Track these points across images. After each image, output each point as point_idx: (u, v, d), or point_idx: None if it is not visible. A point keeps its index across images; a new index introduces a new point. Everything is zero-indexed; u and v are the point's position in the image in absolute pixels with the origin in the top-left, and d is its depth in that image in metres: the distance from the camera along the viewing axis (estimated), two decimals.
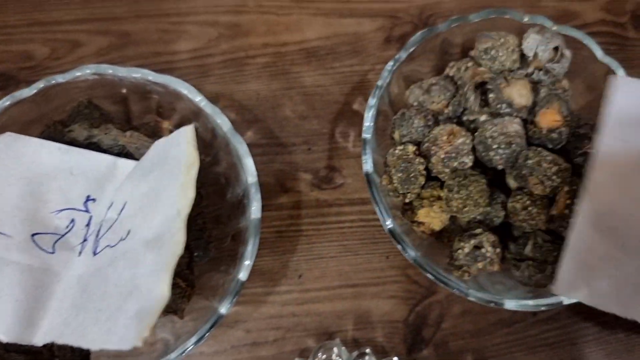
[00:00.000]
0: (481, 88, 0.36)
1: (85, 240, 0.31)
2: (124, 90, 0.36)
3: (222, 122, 0.33)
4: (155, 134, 0.35)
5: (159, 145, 0.31)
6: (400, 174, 0.34)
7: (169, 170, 0.30)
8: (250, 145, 0.40)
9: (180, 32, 0.42)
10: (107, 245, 0.30)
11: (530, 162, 0.32)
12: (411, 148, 0.34)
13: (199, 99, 0.34)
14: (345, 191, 0.40)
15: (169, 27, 0.43)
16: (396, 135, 0.36)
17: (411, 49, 0.35)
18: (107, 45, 0.42)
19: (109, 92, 0.36)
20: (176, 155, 0.30)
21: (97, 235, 0.31)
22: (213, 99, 0.41)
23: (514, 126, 0.33)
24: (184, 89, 0.34)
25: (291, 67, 0.42)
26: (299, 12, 0.43)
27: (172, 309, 0.33)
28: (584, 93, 0.37)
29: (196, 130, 0.31)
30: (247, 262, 0.32)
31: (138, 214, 0.30)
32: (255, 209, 0.32)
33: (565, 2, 0.45)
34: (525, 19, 0.36)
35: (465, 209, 0.33)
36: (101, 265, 0.30)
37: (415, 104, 0.36)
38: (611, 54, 0.44)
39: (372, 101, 0.34)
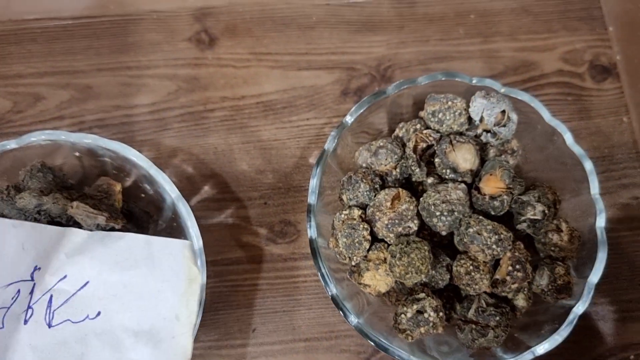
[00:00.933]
0: (428, 151, 0.36)
1: (29, 307, 0.32)
2: (77, 154, 0.37)
3: (170, 189, 0.34)
4: (108, 196, 0.36)
5: (147, 245, 0.33)
6: (345, 239, 0.34)
7: (162, 276, 0.33)
8: (206, 200, 0.42)
9: (140, 86, 0.43)
10: (68, 320, 0.32)
11: (471, 230, 0.33)
12: (357, 212, 0.35)
13: (146, 165, 0.34)
14: (299, 245, 0.40)
15: (129, 81, 0.43)
16: (344, 198, 0.36)
17: (358, 113, 0.36)
18: (68, 99, 0.43)
19: (62, 156, 0.37)
20: (172, 265, 0.33)
21: (49, 306, 0.32)
22: (171, 153, 0.42)
23: (458, 193, 0.34)
24: (132, 155, 0.35)
25: (249, 120, 0.43)
26: (257, 64, 0.44)
27: None
28: (534, 151, 0.38)
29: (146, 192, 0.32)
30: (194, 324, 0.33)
31: (114, 301, 0.32)
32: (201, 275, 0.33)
33: (523, 52, 0.45)
34: (474, 82, 0.37)
35: (408, 276, 0.33)
36: (65, 339, 0.32)
37: (364, 165, 0.37)
38: (568, 104, 0.45)
39: (317, 169, 0.35)
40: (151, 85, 0.43)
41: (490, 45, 0.45)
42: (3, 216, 0.34)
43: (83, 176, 0.39)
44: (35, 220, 0.34)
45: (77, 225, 0.34)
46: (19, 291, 0.32)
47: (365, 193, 0.35)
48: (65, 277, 0.33)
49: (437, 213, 0.33)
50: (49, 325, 0.32)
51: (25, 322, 0.32)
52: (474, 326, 0.34)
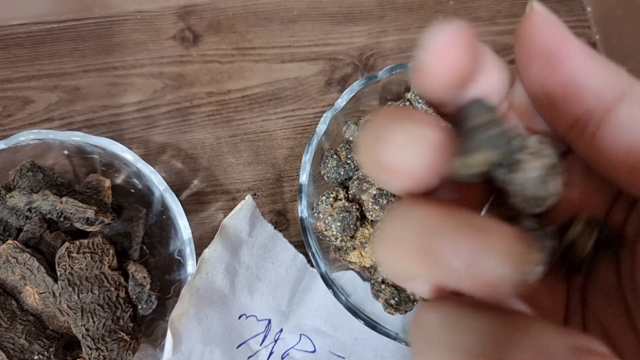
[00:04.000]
0: None
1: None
2: (66, 152, 0.38)
3: (158, 182, 0.36)
4: (98, 192, 0.37)
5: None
6: (339, 223, 0.35)
7: None
8: (196, 194, 0.43)
9: (127, 85, 0.45)
10: None
11: None
12: (342, 193, 0.36)
13: (133, 159, 0.36)
14: (289, 234, 0.42)
15: (115, 80, 0.45)
16: (322, 173, 0.38)
17: (350, 96, 0.37)
18: (56, 101, 0.44)
19: (53, 156, 0.38)
20: None
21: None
22: (159, 149, 0.44)
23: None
24: (119, 150, 0.36)
25: (235, 114, 0.44)
26: (242, 59, 0.45)
27: None
28: None
29: (135, 187, 0.33)
30: None
31: None
32: (190, 265, 0.34)
33: (503, 36, 0.46)
34: None
35: None
36: None
37: (350, 138, 0.38)
38: None
39: (310, 148, 0.36)
40: (138, 84, 0.45)
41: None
42: None
43: (73, 175, 0.40)
44: (27, 218, 0.35)
45: (68, 221, 0.35)
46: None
47: (333, 169, 0.37)
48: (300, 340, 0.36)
49: None
50: None
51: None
52: None
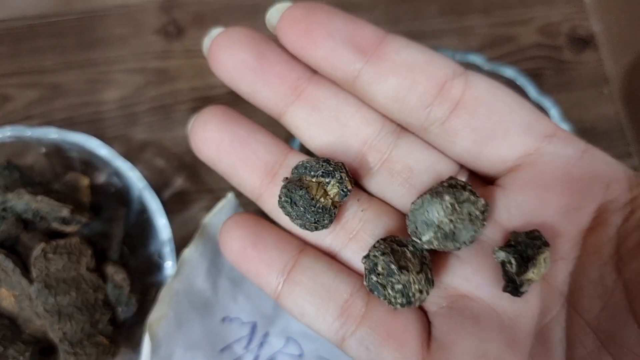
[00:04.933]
0: None
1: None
2: (44, 150, 0.37)
3: (136, 179, 0.35)
4: (75, 191, 0.36)
5: None
6: None
7: None
8: (180, 193, 0.42)
9: (108, 81, 0.44)
10: None
11: None
12: None
13: (110, 155, 0.35)
14: None
15: (97, 77, 0.44)
16: None
17: None
18: (36, 98, 0.43)
19: (32, 156, 0.37)
20: None
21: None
22: (142, 147, 0.43)
23: None
24: (95, 146, 0.35)
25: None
26: None
27: None
28: None
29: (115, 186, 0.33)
30: None
31: None
32: (170, 266, 0.33)
33: (498, 27, 0.45)
34: (457, 57, 0.37)
35: None
36: None
37: None
38: (547, 78, 0.45)
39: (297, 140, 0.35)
40: (120, 81, 0.44)
41: (465, 22, 0.45)
42: None
43: (53, 174, 0.39)
44: (3, 218, 0.35)
45: (44, 221, 0.34)
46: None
47: None
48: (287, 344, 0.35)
49: None
50: None
51: None
52: None
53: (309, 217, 0.20)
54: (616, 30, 0.44)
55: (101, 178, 0.39)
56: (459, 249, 0.20)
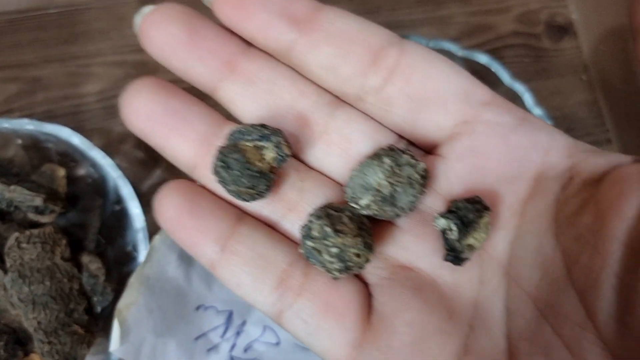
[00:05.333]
0: None
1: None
2: (20, 142, 0.37)
3: (110, 167, 0.35)
4: (52, 181, 0.37)
5: None
6: None
7: None
8: (160, 184, 0.42)
9: (88, 75, 0.44)
10: None
11: None
12: None
13: (83, 144, 0.35)
14: None
15: (77, 70, 0.44)
16: None
17: None
18: (16, 92, 0.44)
19: (11, 147, 0.38)
20: None
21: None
22: (121, 139, 0.43)
23: None
24: (67, 135, 0.35)
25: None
26: None
27: (71, 356, 0.35)
28: None
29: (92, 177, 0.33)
30: None
31: None
32: (143, 255, 0.34)
33: (476, 16, 0.45)
34: (430, 44, 0.37)
35: None
36: None
37: None
38: (526, 66, 0.45)
39: None
40: (100, 74, 0.44)
41: (443, 11, 0.45)
42: None
43: (30, 166, 0.39)
44: None
45: (19, 210, 0.35)
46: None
47: None
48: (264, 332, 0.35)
49: None
50: None
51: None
52: None
53: (244, 181, 0.19)
54: (594, 18, 0.44)
55: (80, 170, 0.39)
56: (398, 215, 0.20)
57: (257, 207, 0.21)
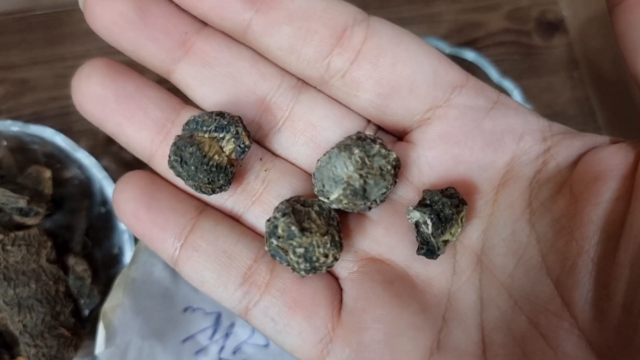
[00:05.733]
0: None
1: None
2: (5, 143, 0.37)
3: (93, 167, 0.35)
4: (37, 183, 0.37)
5: None
6: None
7: None
8: None
9: None
10: None
11: None
12: None
13: (69, 146, 0.35)
14: None
15: (64, 72, 0.44)
16: None
17: None
18: (3, 94, 0.44)
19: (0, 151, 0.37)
20: None
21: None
22: (109, 141, 0.42)
23: None
24: (50, 135, 0.35)
25: (188, 101, 0.43)
26: None
27: (58, 359, 0.34)
28: None
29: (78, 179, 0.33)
30: None
31: None
32: (129, 256, 0.33)
33: (466, 14, 0.45)
34: None
35: None
36: None
37: None
38: (517, 63, 0.45)
39: None
40: None
41: (432, 9, 0.45)
42: None
43: (17, 168, 0.39)
44: None
45: (3, 213, 0.34)
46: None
47: None
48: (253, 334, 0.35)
49: None
50: None
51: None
52: None
53: (201, 176, 0.18)
54: (585, 14, 0.44)
55: (67, 172, 0.39)
56: (369, 208, 0.19)
57: (219, 199, 0.20)
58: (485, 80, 0.36)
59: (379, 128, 0.21)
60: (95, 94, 0.20)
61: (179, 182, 0.20)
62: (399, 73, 0.19)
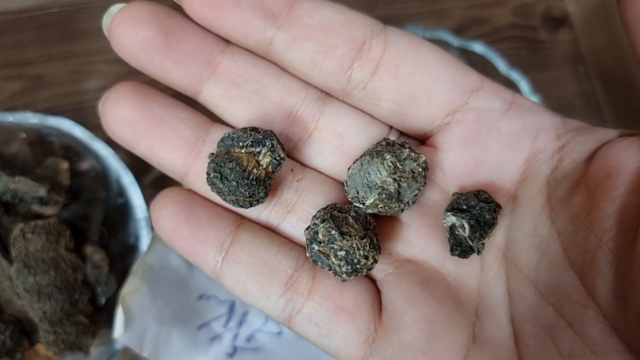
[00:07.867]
0: None
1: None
2: (24, 136, 0.39)
3: (111, 158, 0.36)
4: (55, 174, 0.38)
5: None
6: None
7: None
8: (162, 178, 0.43)
9: (90, 72, 0.45)
10: None
11: None
12: None
13: (87, 137, 0.36)
14: None
15: (79, 68, 0.45)
16: None
17: None
18: (20, 90, 0.45)
19: (15, 142, 0.39)
20: None
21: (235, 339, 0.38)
22: None
23: None
24: (68, 127, 0.36)
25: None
26: None
27: (76, 345, 0.35)
28: None
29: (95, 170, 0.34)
30: None
31: None
32: (146, 245, 0.35)
33: (473, 9, 0.47)
34: (426, 35, 0.38)
35: None
36: None
37: None
38: (523, 58, 0.46)
39: None
40: (101, 71, 0.45)
41: (440, 5, 0.47)
42: None
43: (35, 161, 0.40)
44: None
45: (23, 202, 0.36)
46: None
47: None
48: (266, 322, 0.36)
49: None
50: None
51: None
52: None
53: (242, 191, 0.19)
54: (591, 9, 0.45)
55: (84, 164, 0.40)
56: (402, 210, 0.20)
57: (254, 211, 0.21)
58: (493, 72, 0.38)
59: (401, 133, 0.22)
60: (125, 118, 0.20)
61: (214, 197, 0.21)
62: (417, 81, 0.20)
